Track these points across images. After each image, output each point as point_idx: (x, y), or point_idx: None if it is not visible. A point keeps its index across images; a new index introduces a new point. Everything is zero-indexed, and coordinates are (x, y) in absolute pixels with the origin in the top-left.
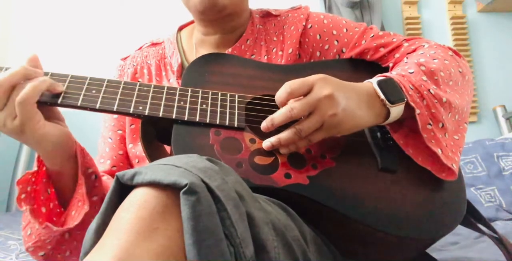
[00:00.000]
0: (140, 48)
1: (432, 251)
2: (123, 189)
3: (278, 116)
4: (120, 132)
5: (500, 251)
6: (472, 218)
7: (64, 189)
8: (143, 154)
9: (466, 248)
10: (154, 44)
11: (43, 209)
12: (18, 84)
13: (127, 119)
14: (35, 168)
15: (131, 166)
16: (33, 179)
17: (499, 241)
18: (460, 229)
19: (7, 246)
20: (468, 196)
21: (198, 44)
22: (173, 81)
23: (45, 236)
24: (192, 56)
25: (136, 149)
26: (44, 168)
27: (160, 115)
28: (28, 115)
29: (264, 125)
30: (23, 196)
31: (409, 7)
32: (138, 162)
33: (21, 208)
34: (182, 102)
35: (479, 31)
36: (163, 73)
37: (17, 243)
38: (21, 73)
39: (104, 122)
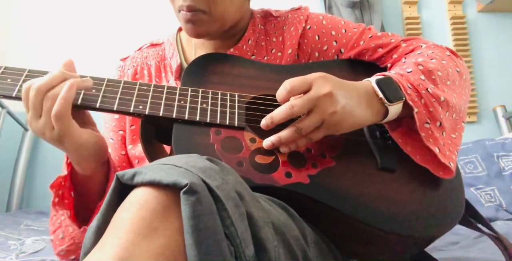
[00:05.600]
0: (140, 48)
1: (432, 251)
2: (123, 189)
3: (278, 114)
4: (121, 132)
5: (500, 251)
6: (472, 217)
7: (89, 193)
8: (143, 155)
9: (466, 248)
10: (153, 45)
11: (68, 213)
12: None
13: (128, 119)
14: (65, 172)
15: (132, 166)
16: (63, 183)
17: (499, 240)
18: (460, 229)
19: (7, 246)
20: (468, 196)
21: (197, 45)
22: (172, 83)
23: (80, 239)
24: (191, 57)
25: (136, 150)
26: (67, 172)
27: (161, 114)
28: (64, 127)
29: (264, 123)
30: (56, 200)
31: (409, 7)
32: (138, 162)
33: (56, 212)
34: (182, 102)
35: (479, 31)
36: (163, 75)
37: (17, 243)
38: (60, 77)
39: (104, 123)
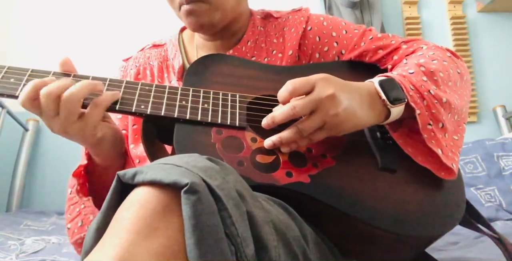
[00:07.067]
0: (142, 49)
1: (432, 251)
2: (124, 188)
3: (279, 114)
4: (124, 132)
5: (500, 251)
6: (472, 218)
7: (105, 184)
8: (144, 154)
9: (466, 248)
10: (156, 46)
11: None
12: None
13: (130, 119)
14: (85, 161)
15: (134, 166)
16: (82, 173)
17: (499, 241)
18: (460, 229)
19: (7, 246)
20: (468, 196)
21: (199, 46)
22: (174, 83)
23: None
24: (193, 58)
25: (137, 150)
26: (85, 162)
27: (162, 114)
28: (97, 118)
29: (265, 122)
30: (78, 188)
31: (409, 7)
32: (139, 162)
33: (79, 199)
34: (183, 101)
35: (479, 31)
36: (165, 75)
37: (17, 243)
38: (88, 88)
39: None
